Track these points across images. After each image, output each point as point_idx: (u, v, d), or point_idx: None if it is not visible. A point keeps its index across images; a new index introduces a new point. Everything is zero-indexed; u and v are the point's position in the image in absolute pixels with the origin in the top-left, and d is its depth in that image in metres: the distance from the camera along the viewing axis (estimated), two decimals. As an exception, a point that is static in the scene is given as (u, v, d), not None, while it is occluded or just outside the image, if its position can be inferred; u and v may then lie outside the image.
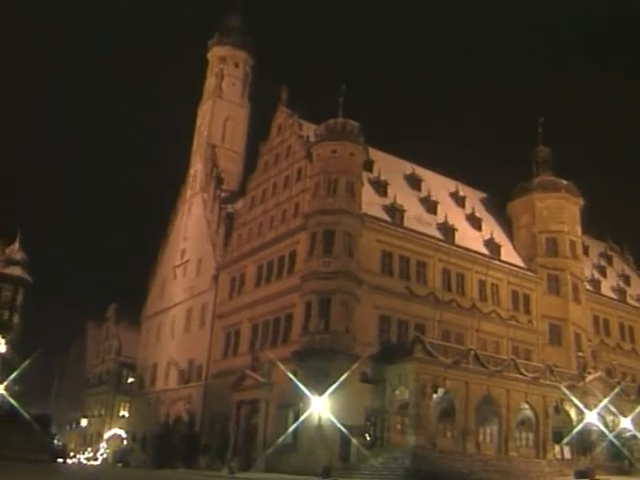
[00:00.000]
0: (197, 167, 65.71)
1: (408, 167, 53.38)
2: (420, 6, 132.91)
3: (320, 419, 36.82)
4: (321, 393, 36.62)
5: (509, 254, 52.29)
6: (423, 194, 51.27)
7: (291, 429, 38.90)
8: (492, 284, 49.12)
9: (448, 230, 48.58)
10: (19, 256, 46.33)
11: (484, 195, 58.43)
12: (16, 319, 43.25)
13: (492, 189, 59.35)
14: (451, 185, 55.51)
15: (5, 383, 37.45)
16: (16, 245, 46.24)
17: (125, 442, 65.84)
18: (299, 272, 42.45)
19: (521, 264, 52.13)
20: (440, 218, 49.34)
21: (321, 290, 40.03)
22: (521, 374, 40.45)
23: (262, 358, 43.32)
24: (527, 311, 50.35)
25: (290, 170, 48.81)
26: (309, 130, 48.30)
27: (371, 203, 45.16)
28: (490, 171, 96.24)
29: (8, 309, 42.97)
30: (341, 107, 44.77)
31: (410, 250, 45.46)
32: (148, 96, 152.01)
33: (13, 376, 39.34)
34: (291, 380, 38.28)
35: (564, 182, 54.31)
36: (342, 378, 36.34)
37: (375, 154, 48.87)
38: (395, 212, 46.22)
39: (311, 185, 44.16)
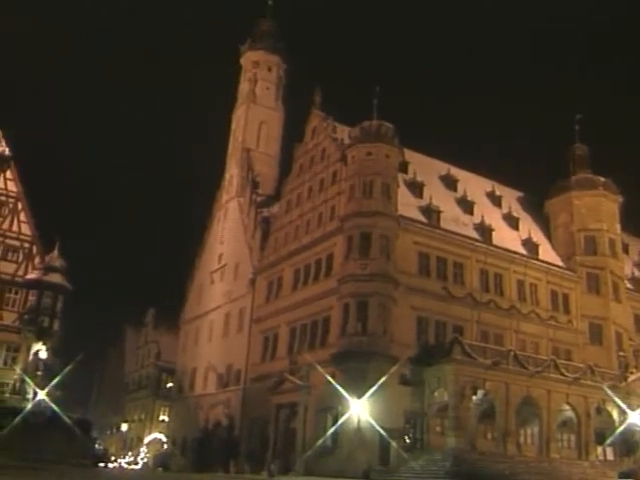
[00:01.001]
0: (233, 172, 65.87)
1: (443, 167, 53.13)
2: (458, 5, 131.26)
3: (359, 422, 36.75)
4: (360, 396, 36.54)
5: (547, 253, 51.82)
6: (459, 194, 51.00)
7: (330, 432, 38.84)
8: (531, 284, 48.72)
9: (485, 230, 48.26)
10: (58, 263, 46.82)
11: (521, 194, 57.99)
12: (56, 326, 43.60)
13: (529, 188, 58.99)
14: (487, 185, 55.13)
15: (47, 389, 37.90)
16: (55, 253, 46.77)
17: (165, 446, 66.20)
18: (336, 275, 42.41)
19: (560, 263, 51.64)
20: (477, 218, 49.05)
21: (358, 292, 39.96)
22: (562, 375, 40.03)
23: (300, 361, 43.34)
24: (567, 311, 49.86)
25: (325, 173, 48.78)
26: (343, 132, 48.26)
27: (407, 204, 45.03)
28: (526, 170, 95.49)
29: (48, 316, 43.36)
30: (375, 109, 44.73)
31: (447, 251, 45.25)
32: (183, 100, 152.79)
33: (54, 382, 39.75)
34: (329, 383, 38.27)
35: (602, 179, 53.68)
36: (381, 381, 36.21)
37: (410, 155, 48.69)
38: (431, 213, 46.03)
39: (346, 188, 44.10)
